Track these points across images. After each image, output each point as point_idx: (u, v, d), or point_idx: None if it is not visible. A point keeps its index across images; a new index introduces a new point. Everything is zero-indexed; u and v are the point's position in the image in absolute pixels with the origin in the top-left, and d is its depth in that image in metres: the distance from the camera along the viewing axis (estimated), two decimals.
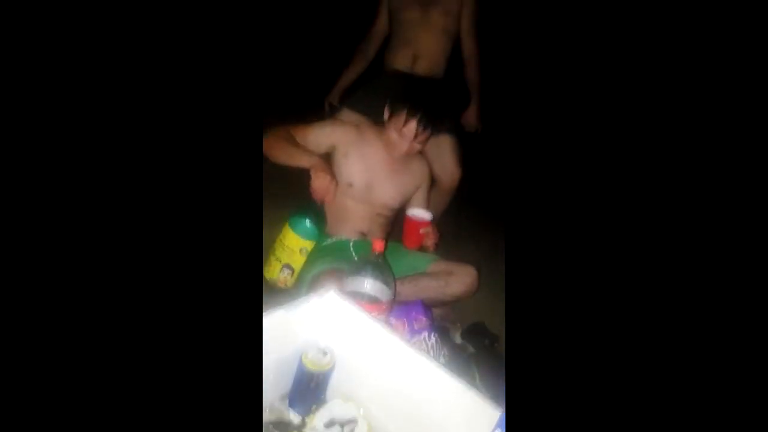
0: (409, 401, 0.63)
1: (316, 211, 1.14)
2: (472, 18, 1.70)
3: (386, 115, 1.27)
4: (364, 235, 1.32)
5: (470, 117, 1.76)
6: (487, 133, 1.90)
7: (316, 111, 1.80)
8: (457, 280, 1.20)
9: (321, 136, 1.29)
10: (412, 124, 1.20)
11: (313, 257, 1.15)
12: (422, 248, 1.30)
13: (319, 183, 1.13)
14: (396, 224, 1.42)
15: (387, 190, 1.33)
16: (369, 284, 0.96)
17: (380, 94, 1.63)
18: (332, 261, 1.19)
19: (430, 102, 1.24)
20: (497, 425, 0.52)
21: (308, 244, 1.11)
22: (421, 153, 1.43)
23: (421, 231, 1.25)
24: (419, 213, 1.29)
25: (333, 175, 1.17)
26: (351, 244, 1.31)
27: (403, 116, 1.20)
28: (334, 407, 0.62)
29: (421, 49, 1.68)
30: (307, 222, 1.10)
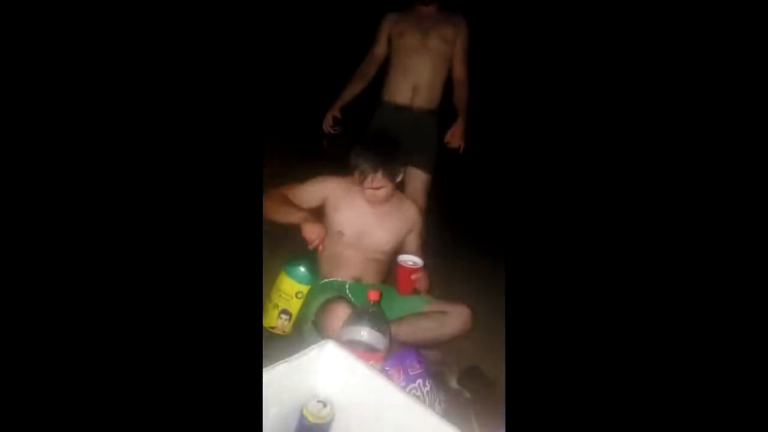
0: None
1: (310, 258, 1.20)
2: (466, 43, 1.80)
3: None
4: (358, 279, 1.38)
5: (455, 135, 1.80)
6: (484, 170, 1.97)
7: (315, 128, 1.86)
8: (452, 319, 1.24)
9: (312, 192, 1.41)
10: (369, 180, 1.31)
11: (311, 296, 1.20)
12: (415, 292, 1.33)
13: (308, 232, 1.21)
14: (391, 268, 1.46)
15: (378, 236, 1.40)
16: (366, 333, 0.98)
17: (381, 127, 1.77)
18: (332, 294, 1.24)
19: (386, 154, 1.34)
20: None
21: (304, 288, 1.16)
22: (410, 201, 1.53)
23: (413, 277, 1.30)
24: (410, 259, 1.34)
25: (321, 225, 1.25)
26: (347, 286, 1.36)
27: (360, 173, 1.31)
28: None
29: (421, 80, 1.77)
30: (302, 267, 1.16)
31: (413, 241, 1.47)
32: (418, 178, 1.78)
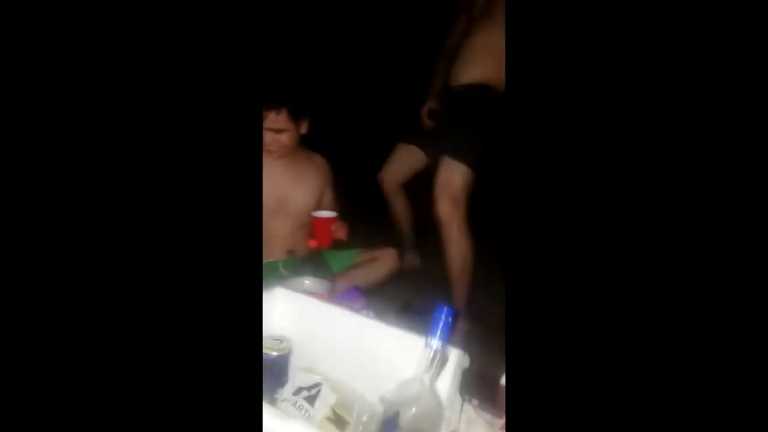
0: (362, 355, 0.74)
1: None
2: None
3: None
4: (292, 252, 1.37)
5: None
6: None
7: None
8: (382, 263, 1.36)
9: None
10: (270, 118, 1.25)
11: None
12: (336, 243, 1.38)
13: None
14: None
15: (300, 195, 1.41)
16: (308, 281, 1.04)
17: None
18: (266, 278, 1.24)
19: (294, 94, 1.29)
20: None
21: None
22: (317, 154, 1.48)
23: (332, 227, 1.34)
24: (324, 212, 1.38)
25: None
26: (280, 264, 1.36)
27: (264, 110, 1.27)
28: (298, 378, 0.71)
29: (463, 49, 1.48)
30: None
31: (329, 195, 1.50)
32: (452, 169, 1.42)
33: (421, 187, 1.69)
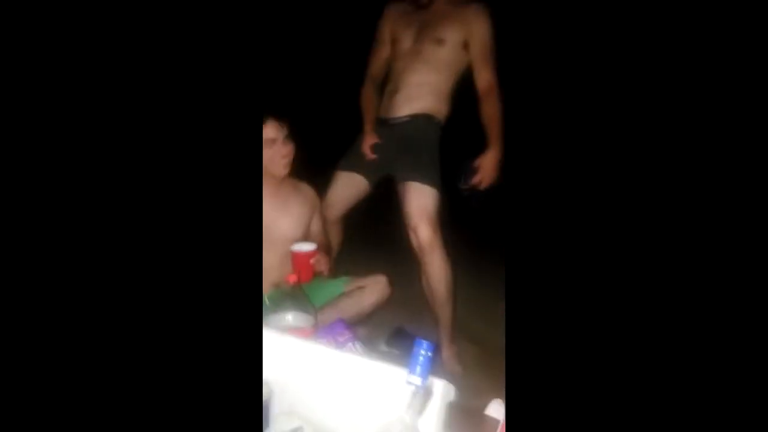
0: (345, 395, 0.72)
1: None
2: (485, 42, 1.43)
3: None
4: (278, 285, 1.31)
5: (486, 166, 1.40)
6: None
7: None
8: (370, 291, 1.32)
9: None
10: (271, 125, 1.27)
11: None
12: (318, 276, 1.34)
13: None
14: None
15: (284, 224, 1.38)
16: (291, 316, 1.02)
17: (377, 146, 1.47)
18: None
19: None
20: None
21: None
22: (305, 183, 1.45)
23: (312, 261, 1.30)
24: (303, 246, 1.34)
25: None
26: (266, 297, 1.34)
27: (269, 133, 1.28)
28: (278, 424, 0.68)
29: (407, 86, 1.47)
30: None
31: (316, 223, 1.46)
32: (422, 194, 1.42)
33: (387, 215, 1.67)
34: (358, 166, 1.57)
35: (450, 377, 0.71)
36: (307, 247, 1.33)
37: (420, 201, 1.42)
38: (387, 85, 1.57)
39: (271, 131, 1.30)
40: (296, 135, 1.36)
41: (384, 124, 1.55)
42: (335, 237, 1.64)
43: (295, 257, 1.32)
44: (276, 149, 1.30)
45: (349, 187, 1.59)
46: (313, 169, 1.51)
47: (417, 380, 0.61)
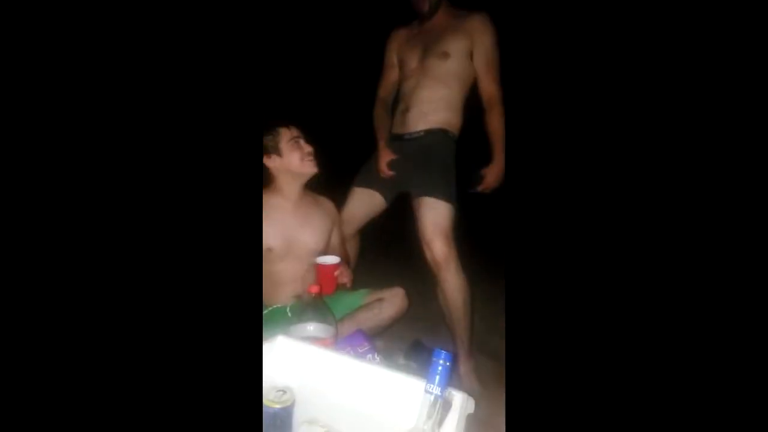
0: (366, 404, 0.73)
1: None
2: (489, 52, 1.45)
3: (276, 153, 1.35)
4: (299, 297, 1.36)
5: (490, 177, 1.45)
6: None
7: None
8: (389, 303, 1.33)
9: None
10: (291, 128, 1.35)
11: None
12: (340, 288, 1.37)
13: None
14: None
15: (306, 238, 1.41)
16: (312, 327, 1.05)
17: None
18: (273, 325, 1.22)
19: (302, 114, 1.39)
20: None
21: None
22: (324, 197, 1.50)
23: (335, 273, 1.34)
24: (327, 258, 1.37)
25: None
26: (288, 309, 1.37)
27: (283, 132, 1.35)
28: (301, 430, 0.70)
29: (418, 101, 1.50)
30: None
31: (336, 237, 1.50)
32: (437, 209, 1.43)
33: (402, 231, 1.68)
34: (374, 182, 1.60)
35: (468, 391, 0.72)
36: (331, 260, 1.36)
37: (434, 216, 1.43)
38: (398, 105, 1.60)
39: (294, 130, 1.36)
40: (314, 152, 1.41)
41: (398, 140, 1.57)
42: (352, 251, 1.67)
43: (320, 270, 1.34)
44: (301, 148, 1.37)
45: (365, 203, 1.62)
46: (329, 186, 1.54)
47: (436, 389, 0.62)
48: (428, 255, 1.44)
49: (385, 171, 1.54)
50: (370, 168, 1.62)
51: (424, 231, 1.43)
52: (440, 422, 0.64)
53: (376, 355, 0.99)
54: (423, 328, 1.56)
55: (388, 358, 1.24)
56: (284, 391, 0.77)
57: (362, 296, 1.39)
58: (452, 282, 1.42)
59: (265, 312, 1.34)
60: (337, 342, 1.04)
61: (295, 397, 0.77)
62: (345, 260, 1.42)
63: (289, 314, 1.33)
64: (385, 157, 1.54)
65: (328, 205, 1.52)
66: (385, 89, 1.65)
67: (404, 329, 1.47)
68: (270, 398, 0.76)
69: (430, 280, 1.48)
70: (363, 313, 1.33)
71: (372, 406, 0.74)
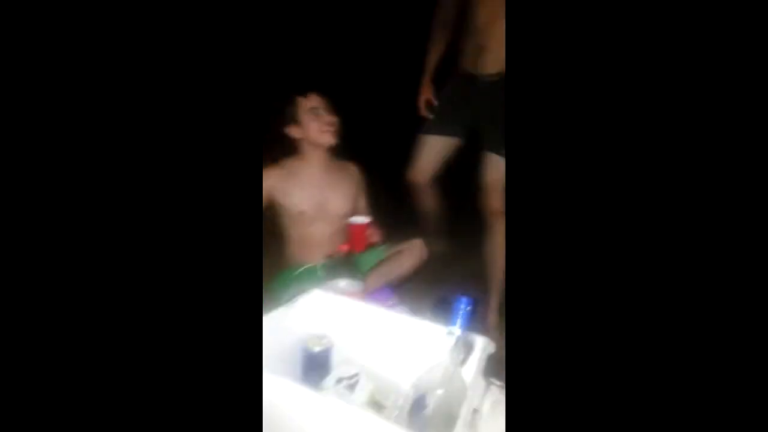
0: (394, 347, 0.82)
1: None
2: None
3: (294, 121, 1.38)
4: (331, 256, 1.40)
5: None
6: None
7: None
8: (407, 254, 1.42)
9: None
10: (312, 96, 1.37)
11: (282, 284, 1.31)
12: (371, 247, 1.44)
13: None
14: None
15: (336, 201, 1.50)
16: (343, 283, 1.13)
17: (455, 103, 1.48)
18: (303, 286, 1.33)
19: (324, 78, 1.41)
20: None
21: None
22: (349, 162, 1.55)
23: (368, 233, 1.41)
24: (358, 218, 1.43)
25: None
26: (319, 268, 1.46)
27: (302, 101, 1.37)
28: (338, 370, 0.79)
29: (487, 38, 1.39)
30: None
31: (363, 200, 1.59)
32: (500, 166, 1.43)
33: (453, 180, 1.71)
34: (443, 128, 1.60)
35: (495, 340, 0.78)
36: (363, 220, 1.43)
37: (494, 172, 1.46)
38: (468, 35, 1.46)
39: (313, 100, 1.40)
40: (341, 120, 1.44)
41: (471, 81, 1.50)
42: (430, 201, 1.70)
43: (352, 229, 1.41)
44: (320, 119, 1.40)
45: (434, 150, 1.64)
46: (354, 151, 1.58)
47: (457, 331, 0.69)
48: (486, 205, 1.49)
49: (423, 109, 1.53)
50: (438, 112, 1.61)
51: (487, 183, 1.48)
52: (462, 362, 0.71)
53: (402, 309, 1.07)
54: (448, 286, 1.63)
55: (414, 313, 1.32)
56: (322, 337, 0.87)
57: (383, 251, 1.47)
58: (499, 235, 1.48)
59: (297, 272, 1.44)
60: (366, 296, 1.13)
61: (332, 342, 0.86)
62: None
63: (321, 273, 1.42)
64: (425, 94, 1.51)
65: (353, 170, 1.59)
66: (444, 9, 1.51)
67: (430, 287, 1.55)
68: (310, 342, 0.85)
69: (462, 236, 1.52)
70: (385, 266, 1.41)
71: (400, 348, 0.82)
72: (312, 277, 1.40)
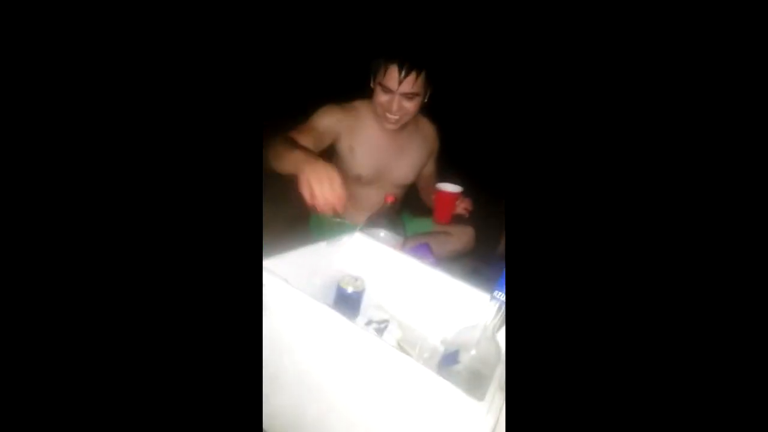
0: (427, 302, 0.80)
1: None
2: None
3: (371, 83, 1.18)
4: (371, 218, 1.39)
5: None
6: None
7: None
8: (455, 237, 1.33)
9: (323, 129, 1.19)
10: (393, 71, 1.09)
11: (317, 226, 1.26)
12: (454, 220, 1.29)
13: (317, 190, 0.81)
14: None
15: (398, 170, 1.35)
16: (383, 233, 1.12)
17: None
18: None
19: (408, 44, 1.13)
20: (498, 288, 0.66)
21: None
22: (426, 120, 1.33)
23: (457, 203, 1.26)
24: (450, 186, 1.27)
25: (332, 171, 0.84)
26: (358, 228, 1.41)
27: (382, 68, 1.12)
28: (369, 312, 0.79)
29: None
30: None
31: (431, 165, 1.42)
32: None
33: None
34: None
35: None
36: (453, 188, 1.27)
37: None
38: None
39: (392, 82, 1.12)
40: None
41: None
42: None
43: (441, 197, 1.27)
44: (391, 100, 1.16)
45: None
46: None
47: (502, 296, 0.66)
48: None
49: None
50: None
51: None
52: (499, 327, 0.68)
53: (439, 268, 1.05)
54: (483, 257, 1.58)
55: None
56: (357, 279, 0.86)
57: (431, 225, 1.42)
58: None
59: (336, 221, 1.41)
60: (404, 250, 1.11)
61: (365, 284, 0.86)
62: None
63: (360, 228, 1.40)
64: None
65: (428, 131, 1.40)
66: None
67: (464, 257, 1.51)
68: (345, 282, 0.85)
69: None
70: (428, 237, 1.37)
71: (433, 304, 0.80)
72: (352, 230, 1.38)
